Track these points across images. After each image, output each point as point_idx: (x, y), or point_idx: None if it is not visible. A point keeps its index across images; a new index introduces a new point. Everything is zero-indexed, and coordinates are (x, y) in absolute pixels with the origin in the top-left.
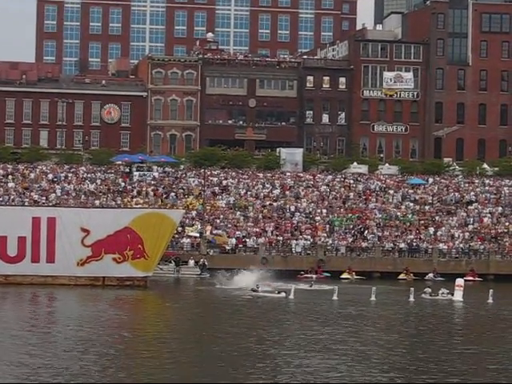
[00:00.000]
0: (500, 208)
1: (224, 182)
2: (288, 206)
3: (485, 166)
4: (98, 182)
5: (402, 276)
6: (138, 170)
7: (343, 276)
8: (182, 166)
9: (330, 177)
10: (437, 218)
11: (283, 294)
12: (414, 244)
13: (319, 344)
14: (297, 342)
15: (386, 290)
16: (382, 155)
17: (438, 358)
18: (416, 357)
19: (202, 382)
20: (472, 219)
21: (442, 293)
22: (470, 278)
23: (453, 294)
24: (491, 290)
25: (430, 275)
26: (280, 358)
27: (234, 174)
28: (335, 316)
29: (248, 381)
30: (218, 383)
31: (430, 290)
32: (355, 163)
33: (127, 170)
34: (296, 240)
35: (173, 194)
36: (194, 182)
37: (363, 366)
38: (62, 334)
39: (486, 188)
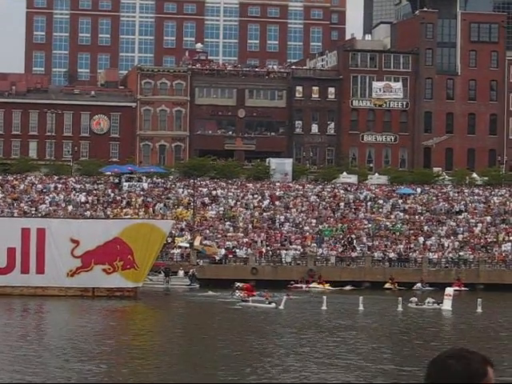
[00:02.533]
0: (489, 217)
1: (213, 193)
2: (278, 216)
3: (474, 175)
4: (88, 192)
5: (387, 285)
6: (127, 181)
7: (312, 285)
8: (171, 177)
9: (319, 187)
10: (426, 227)
11: (274, 305)
12: (404, 253)
13: (311, 355)
14: (289, 354)
15: (374, 299)
16: (371, 165)
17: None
18: (410, 367)
19: (201, 382)
20: (461, 229)
21: (428, 302)
22: (456, 288)
23: (439, 304)
24: (480, 299)
25: (418, 285)
26: (273, 368)
27: (223, 184)
28: (326, 326)
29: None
30: (218, 383)
31: (415, 299)
32: (345, 173)
33: (117, 180)
34: (286, 250)
35: (162, 204)
36: (183, 192)
37: (356, 376)
38: (52, 346)
39: (476, 197)
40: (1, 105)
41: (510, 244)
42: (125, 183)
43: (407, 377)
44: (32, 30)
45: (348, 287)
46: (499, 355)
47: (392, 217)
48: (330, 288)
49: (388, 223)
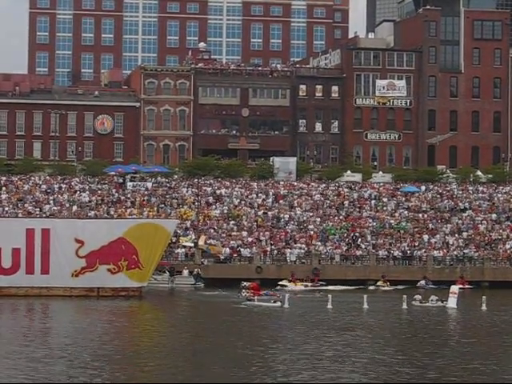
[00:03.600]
0: (494, 215)
1: (218, 192)
2: (282, 214)
3: (478, 173)
4: (92, 192)
5: (379, 283)
6: (131, 181)
7: (282, 283)
8: (175, 176)
9: (323, 185)
10: (431, 225)
11: (278, 303)
12: (409, 251)
13: (317, 354)
14: (297, 354)
15: (379, 297)
16: (375, 163)
17: (445, 370)
18: (419, 368)
19: (202, 381)
20: (466, 226)
21: (432, 300)
22: (460, 286)
23: (443, 301)
24: (484, 297)
25: (422, 282)
26: (281, 370)
27: (227, 183)
28: (332, 325)
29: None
30: (218, 383)
31: (420, 297)
32: (349, 171)
33: (121, 180)
34: (290, 249)
35: (164, 204)
36: (187, 191)
37: (363, 375)
38: (58, 346)
39: (480, 195)
40: (4, 105)
41: None
42: (129, 183)
43: (412, 375)
44: (35, 31)
45: (340, 287)
46: (504, 353)
47: (396, 215)
48: (301, 287)
49: (392, 221)
